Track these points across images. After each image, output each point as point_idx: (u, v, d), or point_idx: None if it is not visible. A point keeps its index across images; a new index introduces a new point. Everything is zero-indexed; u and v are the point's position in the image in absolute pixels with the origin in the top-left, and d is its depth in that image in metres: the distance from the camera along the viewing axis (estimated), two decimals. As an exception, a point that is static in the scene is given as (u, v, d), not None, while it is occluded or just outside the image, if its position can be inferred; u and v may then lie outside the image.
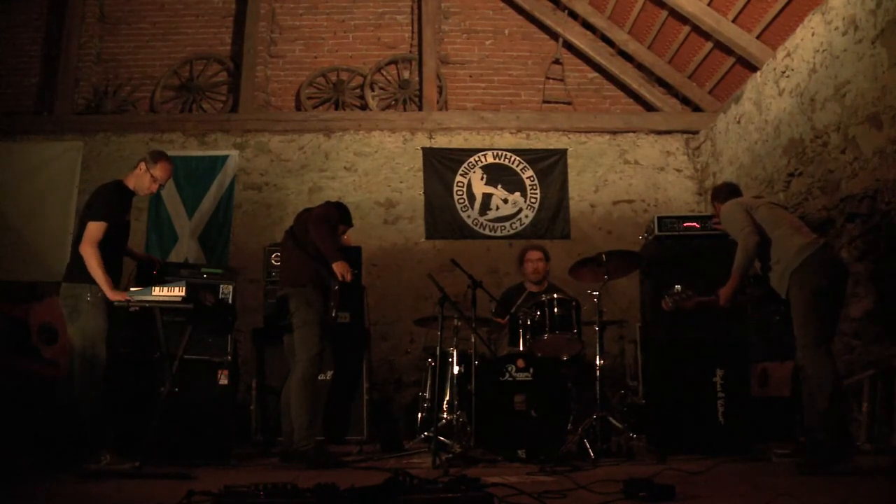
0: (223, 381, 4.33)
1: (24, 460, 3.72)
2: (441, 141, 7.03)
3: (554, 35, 7.35)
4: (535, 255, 5.33)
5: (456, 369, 4.53)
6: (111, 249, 3.87)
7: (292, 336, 4.18)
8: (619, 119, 7.12)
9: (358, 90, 7.23)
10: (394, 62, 7.34)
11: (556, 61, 7.34)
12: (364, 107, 7.17)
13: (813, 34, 5.04)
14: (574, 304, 4.55)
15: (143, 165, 4.06)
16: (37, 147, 6.87)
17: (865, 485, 2.95)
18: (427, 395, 4.93)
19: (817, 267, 3.45)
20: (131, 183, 4.06)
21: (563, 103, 7.27)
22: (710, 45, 6.35)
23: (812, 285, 3.43)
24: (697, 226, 4.66)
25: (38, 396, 4.30)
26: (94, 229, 3.79)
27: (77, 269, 3.78)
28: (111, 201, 3.92)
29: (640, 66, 7.18)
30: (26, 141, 6.90)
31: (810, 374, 3.41)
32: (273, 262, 5.33)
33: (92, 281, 3.73)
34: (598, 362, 4.30)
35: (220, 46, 7.40)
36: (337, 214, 4.41)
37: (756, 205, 3.78)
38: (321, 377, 4.67)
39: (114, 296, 3.72)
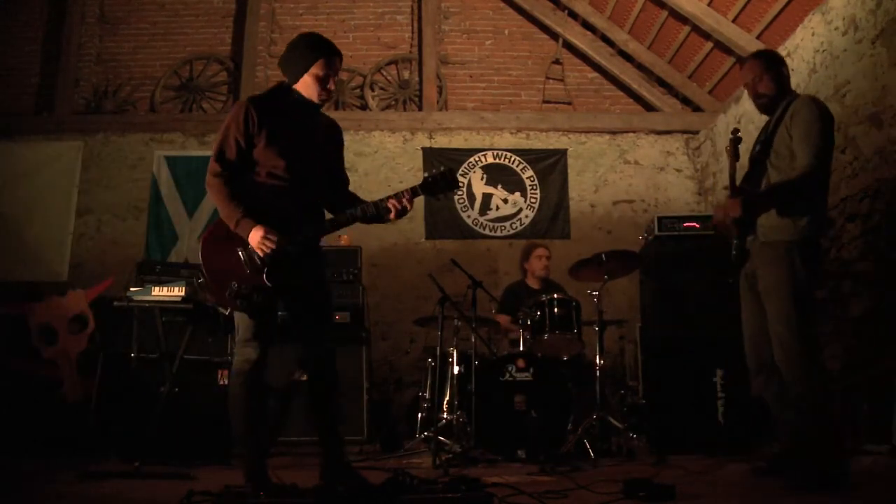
0: (223, 381, 4.33)
1: (24, 460, 3.72)
2: (441, 141, 7.03)
3: (554, 35, 7.34)
4: (544, 251, 5.38)
5: (456, 369, 4.54)
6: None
7: None
8: (619, 119, 7.11)
9: (358, 90, 7.22)
10: (394, 62, 7.34)
11: (556, 61, 7.34)
12: (364, 107, 7.17)
13: (813, 34, 5.03)
14: (574, 304, 4.56)
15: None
16: (37, 147, 6.86)
17: (866, 485, 2.94)
18: (427, 395, 4.93)
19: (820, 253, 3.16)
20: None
21: (563, 103, 7.26)
22: (710, 45, 6.34)
23: (814, 269, 3.01)
24: (697, 226, 4.66)
25: (37, 397, 4.30)
26: None
27: None
28: None
29: (640, 66, 7.17)
30: (26, 141, 6.89)
31: (802, 391, 2.87)
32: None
33: None
34: (598, 362, 4.31)
35: (220, 46, 7.39)
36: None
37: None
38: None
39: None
